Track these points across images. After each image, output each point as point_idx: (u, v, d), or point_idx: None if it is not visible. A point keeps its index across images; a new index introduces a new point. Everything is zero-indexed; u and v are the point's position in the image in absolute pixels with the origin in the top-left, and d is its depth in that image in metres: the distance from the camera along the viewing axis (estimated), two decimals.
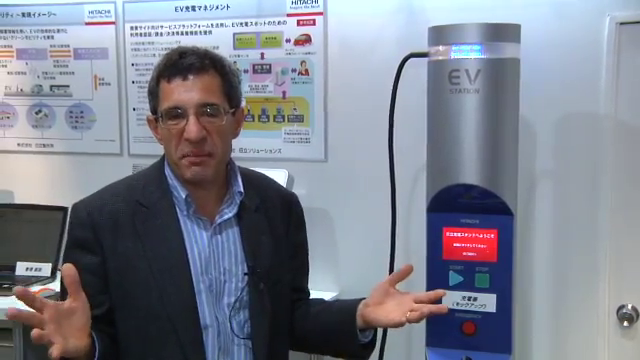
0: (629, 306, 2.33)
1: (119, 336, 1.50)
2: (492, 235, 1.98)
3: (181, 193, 1.51)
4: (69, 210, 1.59)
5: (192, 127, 1.43)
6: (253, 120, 2.71)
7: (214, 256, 1.53)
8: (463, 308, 2.00)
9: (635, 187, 2.30)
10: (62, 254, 1.61)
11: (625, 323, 2.32)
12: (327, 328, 1.64)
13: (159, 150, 2.81)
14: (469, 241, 2.00)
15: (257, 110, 2.71)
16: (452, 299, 2.01)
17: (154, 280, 1.47)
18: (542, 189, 2.39)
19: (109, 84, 2.90)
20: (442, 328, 2.03)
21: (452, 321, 2.01)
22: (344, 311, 1.62)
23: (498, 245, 1.98)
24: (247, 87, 2.70)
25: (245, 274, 1.53)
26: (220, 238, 1.54)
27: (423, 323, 2.08)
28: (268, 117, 2.70)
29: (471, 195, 1.96)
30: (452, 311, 2.01)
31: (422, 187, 2.10)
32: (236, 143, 2.69)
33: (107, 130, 2.92)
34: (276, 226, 1.62)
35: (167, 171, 1.55)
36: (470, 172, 1.95)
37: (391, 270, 2.28)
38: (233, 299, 1.52)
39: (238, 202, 1.56)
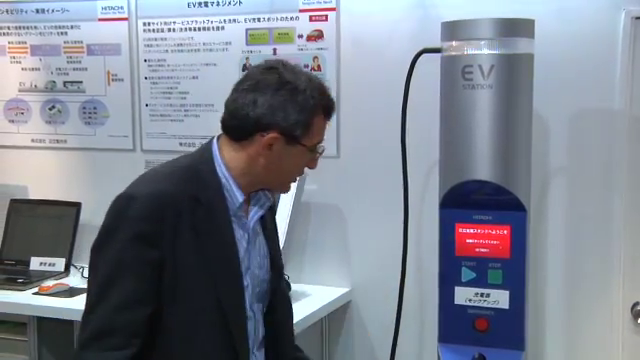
0: None
1: (167, 326, 1.50)
2: (505, 231, 1.98)
3: (238, 197, 1.53)
4: (121, 201, 1.48)
5: (317, 161, 1.58)
6: None
7: (253, 253, 1.59)
8: (476, 304, 2.01)
9: None
10: (109, 242, 1.47)
11: (639, 320, 2.31)
12: None
13: (172, 146, 2.86)
14: (482, 237, 2.00)
15: None
16: (465, 295, 2.01)
17: (209, 277, 1.49)
18: (556, 185, 2.37)
19: (122, 80, 2.91)
20: (455, 324, 2.03)
21: (465, 317, 2.02)
22: None
23: (511, 241, 1.98)
24: None
25: (271, 266, 1.63)
26: (254, 237, 1.60)
27: (436, 319, 2.08)
28: None
29: (484, 191, 1.96)
30: (465, 307, 2.02)
31: (435, 183, 2.10)
32: None
33: (120, 126, 2.93)
34: (273, 217, 1.71)
35: (221, 171, 1.53)
36: (483, 168, 1.95)
37: (403, 266, 2.29)
38: (265, 288, 1.62)
39: (269, 205, 1.62)
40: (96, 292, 1.46)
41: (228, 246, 1.52)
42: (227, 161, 1.52)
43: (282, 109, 1.46)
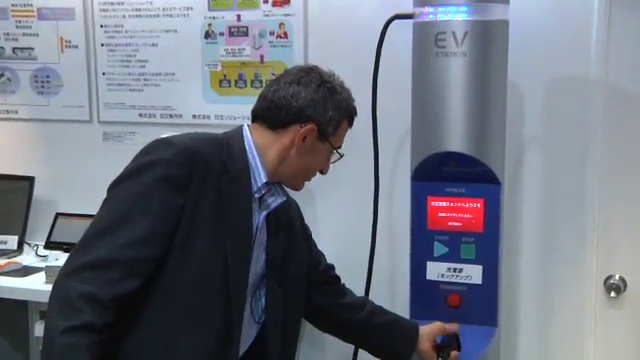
0: (617, 276, 2.36)
1: (168, 278, 1.53)
2: (478, 204, 1.99)
3: (262, 177, 1.65)
4: (157, 144, 1.56)
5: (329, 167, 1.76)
6: (229, 85, 2.69)
7: (256, 241, 1.67)
8: (448, 280, 2.02)
9: (626, 154, 2.32)
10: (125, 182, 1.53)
11: (612, 294, 2.35)
12: (384, 343, 1.96)
13: (131, 117, 2.82)
14: (454, 211, 2.01)
15: (234, 75, 2.68)
16: (437, 270, 2.03)
17: (223, 243, 1.57)
18: (530, 156, 2.40)
19: (76, 47, 2.86)
20: (426, 300, 2.05)
21: (437, 293, 2.03)
22: (406, 341, 1.94)
23: (484, 215, 1.99)
24: (223, 51, 2.67)
25: (267, 265, 1.72)
26: (260, 228, 1.69)
27: (407, 295, 2.10)
28: (245, 82, 2.67)
29: (457, 163, 1.97)
30: (437, 283, 2.04)
31: (406, 155, 2.10)
32: (212, 110, 2.72)
33: (75, 96, 2.88)
34: (292, 222, 1.82)
35: (250, 151, 1.65)
36: (456, 139, 1.95)
37: (373, 241, 2.30)
38: (254, 281, 1.69)
39: (280, 202, 1.70)
40: (105, 225, 1.48)
41: (245, 218, 1.62)
42: (258, 144, 1.65)
43: (322, 104, 1.64)
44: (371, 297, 2.31)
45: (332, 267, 2.02)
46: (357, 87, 2.33)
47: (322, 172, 1.76)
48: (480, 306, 2.02)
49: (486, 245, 2.00)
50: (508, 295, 2.37)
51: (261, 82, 2.65)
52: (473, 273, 2.01)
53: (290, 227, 1.80)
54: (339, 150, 1.73)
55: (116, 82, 2.84)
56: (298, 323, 1.86)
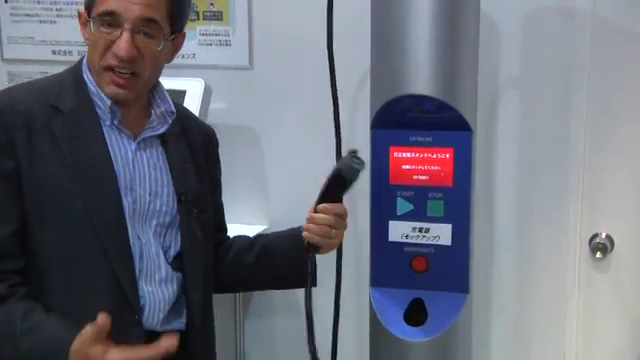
0: (603, 235, 2.43)
1: (35, 252, 1.58)
2: (447, 155, 2.03)
3: (106, 100, 1.63)
4: None
5: (124, 44, 1.56)
6: None
7: (139, 173, 1.68)
8: (413, 241, 2.07)
9: (615, 96, 2.36)
10: None
11: (598, 254, 2.42)
12: (277, 264, 1.92)
13: (42, 54, 2.78)
14: (420, 162, 2.05)
15: None
16: (401, 231, 2.07)
17: (77, 188, 1.59)
18: (506, 100, 2.43)
19: None
20: (389, 265, 2.10)
21: (400, 256, 2.08)
22: (292, 243, 1.90)
23: (454, 167, 2.03)
24: None
25: (178, 200, 1.73)
26: (145, 155, 1.70)
27: (367, 259, 2.15)
28: None
29: (423, 108, 2.00)
30: (400, 245, 2.08)
31: (366, 99, 2.13)
32: None
33: None
34: (197, 157, 1.82)
35: (87, 76, 1.66)
36: (422, 80, 1.97)
37: None
38: (161, 221, 1.71)
39: (170, 121, 1.73)
40: None
41: (98, 155, 1.62)
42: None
43: None
44: (330, 260, 2.36)
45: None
46: (311, 20, 2.36)
47: (117, 55, 1.58)
48: (449, 270, 2.08)
49: (456, 201, 2.05)
50: (481, 258, 2.41)
51: (197, 14, 2.63)
52: (441, 233, 2.06)
53: (191, 155, 1.80)
54: (102, 16, 1.57)
55: (22, 12, 2.79)
56: (211, 272, 1.86)
